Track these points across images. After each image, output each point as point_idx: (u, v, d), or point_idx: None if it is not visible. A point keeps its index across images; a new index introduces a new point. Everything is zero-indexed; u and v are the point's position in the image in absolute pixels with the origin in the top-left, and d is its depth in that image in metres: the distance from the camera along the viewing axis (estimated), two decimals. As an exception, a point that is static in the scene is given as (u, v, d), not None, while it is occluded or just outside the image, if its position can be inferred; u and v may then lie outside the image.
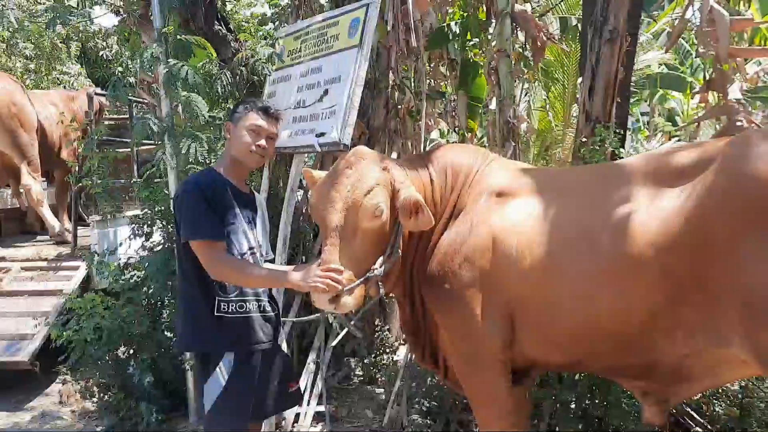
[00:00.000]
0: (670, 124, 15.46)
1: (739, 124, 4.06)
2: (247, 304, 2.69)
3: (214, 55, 4.02)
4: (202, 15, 4.44)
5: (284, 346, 3.03)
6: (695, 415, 4.01)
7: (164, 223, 4.47)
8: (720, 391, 4.05)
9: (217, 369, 2.60)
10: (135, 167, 6.05)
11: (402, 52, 5.48)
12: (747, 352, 2.12)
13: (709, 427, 3.96)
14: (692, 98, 14.01)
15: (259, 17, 6.32)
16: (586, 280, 2.44)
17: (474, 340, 2.67)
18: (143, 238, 4.60)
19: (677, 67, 13.88)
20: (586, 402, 3.59)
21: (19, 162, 6.88)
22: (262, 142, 2.70)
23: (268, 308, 2.79)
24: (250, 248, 2.73)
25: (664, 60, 13.36)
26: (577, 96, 6.37)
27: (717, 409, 4.02)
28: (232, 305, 2.65)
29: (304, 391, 4.26)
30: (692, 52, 13.30)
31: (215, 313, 2.62)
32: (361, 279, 2.50)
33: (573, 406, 3.65)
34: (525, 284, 2.55)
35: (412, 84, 5.90)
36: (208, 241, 2.55)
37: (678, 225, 2.23)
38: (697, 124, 5.40)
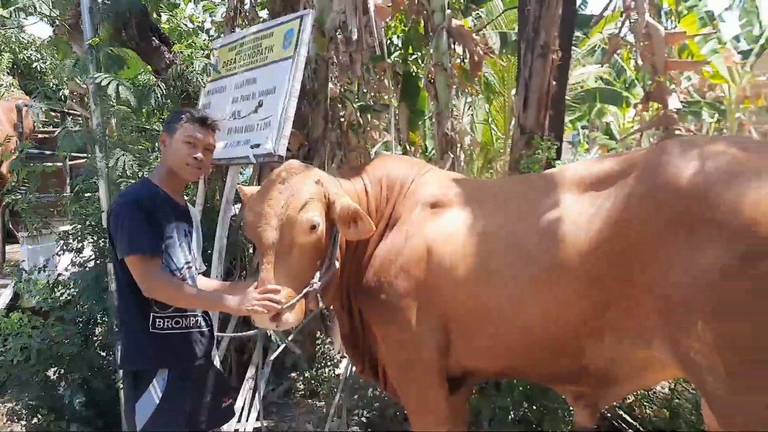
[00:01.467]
0: (607, 137, 15.99)
1: (678, 133, 4.22)
2: (184, 320, 2.64)
3: (144, 67, 3.93)
4: (135, 25, 4.36)
5: (217, 361, 2.97)
6: (627, 418, 4.12)
7: (95, 238, 4.34)
8: (650, 393, 4.18)
9: (151, 387, 2.53)
10: (67, 181, 5.89)
11: (347, 64, 5.51)
12: (668, 354, 2.19)
13: (640, 428, 4.07)
14: (628, 112, 14.57)
15: (198, 24, 6.25)
16: (516, 288, 2.49)
17: (410, 350, 2.69)
18: (73, 254, 4.45)
19: (612, 83, 14.37)
20: (523, 408, 3.64)
21: None
22: (199, 154, 2.64)
23: (203, 323, 2.75)
24: (187, 262, 2.68)
25: (600, 74, 13.80)
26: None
27: (648, 411, 4.14)
28: (168, 321, 2.59)
29: (243, 407, 4.18)
30: (626, 68, 13.80)
31: (151, 330, 2.56)
32: (301, 294, 2.48)
33: (510, 412, 3.70)
34: (459, 293, 2.59)
35: (357, 96, 5.94)
36: (143, 257, 2.48)
37: (601, 232, 2.30)
38: (640, 135, 5.59)
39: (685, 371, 2.17)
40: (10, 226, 6.82)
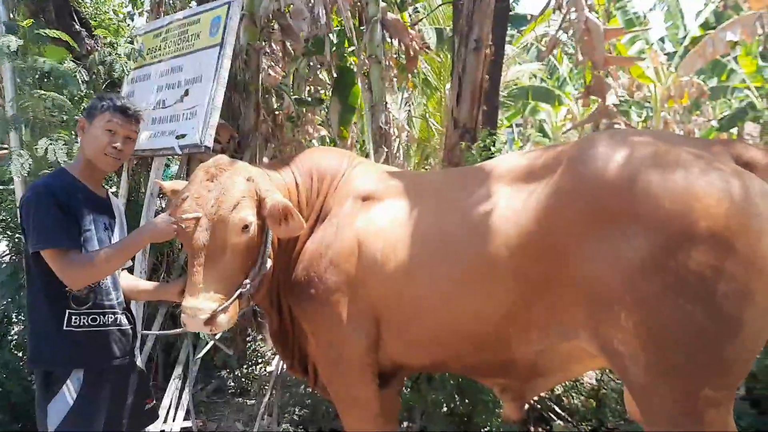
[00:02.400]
0: (540, 134, 16.38)
1: (617, 126, 4.32)
2: (101, 317, 2.49)
3: (64, 53, 3.73)
4: (53, 8, 4.13)
5: (139, 361, 2.84)
6: (556, 408, 4.21)
7: (9, 233, 4.10)
8: (578, 384, 4.29)
9: (64, 387, 2.39)
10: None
11: (280, 55, 5.42)
12: (593, 345, 2.22)
13: (569, 419, 4.17)
14: (560, 110, 14.97)
15: (124, 14, 6.02)
16: (444, 283, 2.47)
17: (339, 345, 2.65)
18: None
19: (545, 81, 14.74)
20: (455, 402, 3.66)
21: None
22: (119, 144, 2.51)
23: (124, 321, 2.61)
24: None
25: (534, 72, 14.12)
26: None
27: (575, 401, 4.25)
28: (84, 318, 2.44)
29: (170, 407, 4.05)
30: (559, 67, 14.16)
31: (64, 328, 2.41)
32: (234, 296, 2.40)
33: (443, 406, 3.71)
34: (389, 288, 2.55)
35: (291, 89, 5.85)
36: (60, 250, 2.33)
37: (527, 225, 2.30)
38: (581, 129, 5.73)
39: (609, 361, 2.20)
40: None
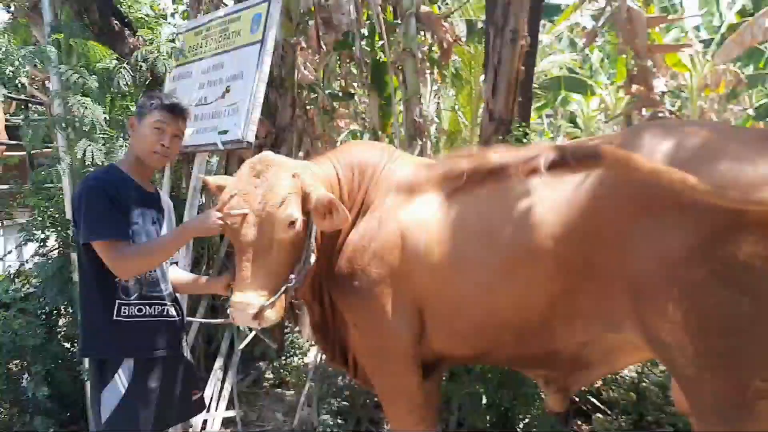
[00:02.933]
0: (571, 125, 16.20)
1: (661, 115, 4.28)
2: (148, 308, 2.57)
3: (107, 52, 3.81)
4: (97, 8, 4.23)
5: (187, 353, 2.92)
6: (595, 401, 4.20)
7: (59, 228, 4.22)
8: (618, 377, 4.27)
9: (116, 376, 2.47)
10: (30, 171, 5.72)
11: (315, 50, 5.46)
12: (638, 336, 2.22)
13: (608, 411, 4.16)
14: (592, 100, 14.77)
15: (160, 12, 6.11)
16: (488, 273, 2.49)
17: (383, 336, 2.68)
18: (36, 245, 4.32)
19: (576, 71, 14.54)
20: (494, 394, 3.67)
21: None
22: (166, 141, 2.59)
23: (172, 312, 2.68)
24: None
25: (564, 63, 13.94)
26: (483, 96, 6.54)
27: (615, 394, 4.23)
28: (133, 309, 2.53)
29: (212, 397, 4.14)
30: (590, 55, 13.97)
31: (114, 318, 2.49)
32: (281, 291, 2.45)
33: (481, 397, 3.73)
34: (433, 279, 2.58)
35: (323, 83, 5.89)
36: (111, 241, 2.41)
37: (572, 216, 2.31)
38: (625, 118, 5.67)
39: (656, 352, 2.20)
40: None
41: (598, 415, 4.12)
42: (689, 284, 2.01)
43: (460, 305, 2.57)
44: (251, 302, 2.34)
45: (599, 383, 4.19)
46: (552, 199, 2.40)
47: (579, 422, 4.17)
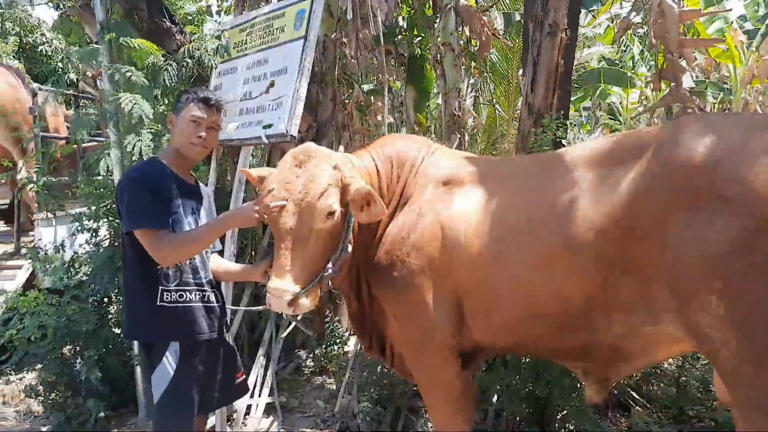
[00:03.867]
0: (610, 118, 15.93)
1: (690, 111, 4.22)
2: (188, 293, 2.68)
3: (155, 49, 3.94)
4: (146, 6, 4.37)
5: (230, 339, 3.02)
6: (634, 395, 4.19)
7: (110, 218, 4.39)
8: (658, 371, 4.25)
9: (164, 359, 2.58)
10: (80, 164, 5.93)
11: (361, 44, 5.50)
12: (679, 329, 2.23)
13: (647, 405, 4.15)
14: (632, 92, 14.51)
15: (204, 10, 6.26)
16: (528, 266, 2.51)
17: (423, 328, 2.72)
18: (89, 235, 4.50)
19: (616, 63, 14.29)
20: (531, 384, 3.70)
21: (19, 157, 6.67)
22: (203, 133, 2.70)
23: (212, 299, 2.79)
24: None
25: (604, 55, 13.73)
26: (521, 89, 6.53)
27: (655, 388, 4.21)
28: (174, 294, 2.64)
29: (255, 384, 4.26)
30: (631, 47, 13.72)
31: (157, 303, 2.61)
32: (317, 280, 2.51)
33: (518, 388, 3.76)
34: (472, 271, 2.62)
35: (361, 78, 5.94)
36: (152, 230, 2.53)
37: (613, 209, 2.32)
38: (650, 114, 5.58)
39: (698, 345, 2.21)
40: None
41: (638, 408, 4.11)
42: (733, 278, 2.02)
43: (499, 297, 2.61)
44: (287, 289, 2.40)
45: (638, 377, 4.18)
46: (592, 192, 2.42)
47: (618, 415, 4.17)
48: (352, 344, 5.22)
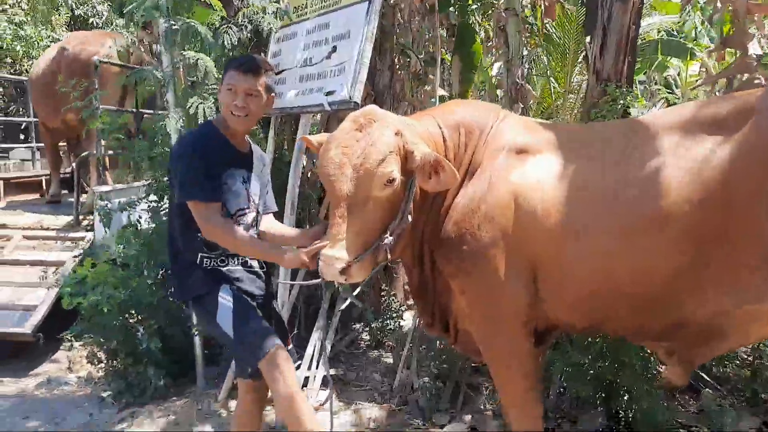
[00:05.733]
0: (668, 91, 15.36)
1: (757, 81, 3.97)
2: (230, 260, 2.71)
3: (221, 8, 3.86)
4: (204, -30, 4.29)
5: (277, 306, 3.06)
6: (705, 376, 4.01)
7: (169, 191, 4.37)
8: (730, 354, 4.04)
9: (220, 299, 2.61)
10: (137, 133, 5.99)
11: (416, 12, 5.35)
12: None
13: (718, 387, 3.97)
14: (692, 65, 13.93)
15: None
16: (611, 239, 2.39)
17: (497, 301, 2.62)
18: (150, 205, 4.51)
19: (674, 34, 13.71)
20: (597, 364, 3.56)
21: (81, 128, 6.85)
22: (239, 101, 2.62)
23: (255, 266, 2.80)
24: (240, 209, 2.70)
25: (663, 25, 13.19)
26: (581, 59, 6.28)
27: (727, 370, 4.03)
28: (215, 261, 2.68)
29: (312, 356, 4.22)
30: (693, 16, 13.15)
31: (198, 264, 2.66)
32: (371, 249, 2.42)
33: (585, 368, 3.62)
34: (548, 243, 2.49)
35: (415, 47, 5.79)
36: (203, 203, 2.54)
37: (707, 180, 2.18)
38: (712, 85, 5.29)
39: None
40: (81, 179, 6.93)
41: (708, 391, 3.93)
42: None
43: (578, 272, 2.48)
44: (339, 257, 2.31)
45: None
46: (685, 160, 2.27)
47: (687, 397, 4.00)
48: (408, 319, 5.15)
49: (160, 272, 4.40)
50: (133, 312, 4.31)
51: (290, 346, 2.95)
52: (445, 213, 2.70)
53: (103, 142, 5.86)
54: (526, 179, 2.58)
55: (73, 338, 4.55)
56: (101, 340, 4.27)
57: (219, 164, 2.60)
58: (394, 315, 5.05)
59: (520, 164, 2.65)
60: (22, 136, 12.52)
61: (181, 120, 3.84)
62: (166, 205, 4.43)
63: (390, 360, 4.63)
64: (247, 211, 2.72)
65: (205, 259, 2.65)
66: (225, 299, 2.60)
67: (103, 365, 4.47)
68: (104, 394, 4.37)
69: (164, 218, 4.42)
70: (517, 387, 2.73)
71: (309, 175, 4.72)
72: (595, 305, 2.54)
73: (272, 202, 2.95)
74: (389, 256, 2.53)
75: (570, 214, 2.45)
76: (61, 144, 8.39)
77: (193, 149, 2.59)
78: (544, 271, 2.55)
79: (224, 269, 2.67)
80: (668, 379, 2.65)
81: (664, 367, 3.17)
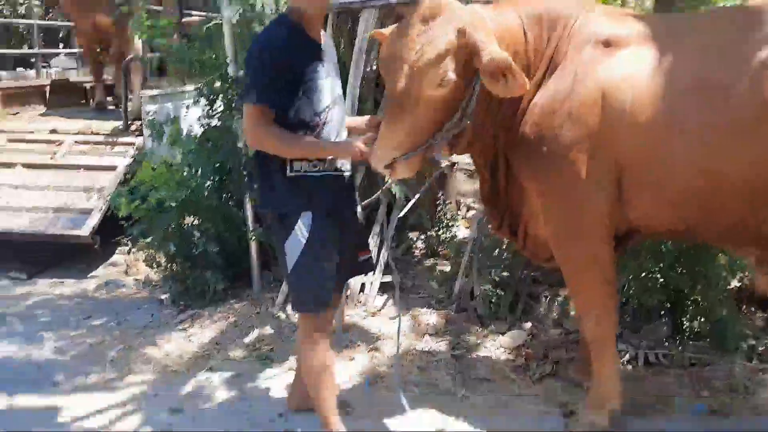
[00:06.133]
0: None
1: None
2: (321, 163, 2.53)
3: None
4: None
5: (360, 211, 2.93)
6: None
7: (227, 89, 4.24)
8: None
9: (296, 228, 2.51)
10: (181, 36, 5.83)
11: None
12: None
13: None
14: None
15: None
16: (711, 134, 2.26)
17: (577, 205, 2.52)
18: (204, 108, 4.40)
19: None
20: (671, 273, 3.44)
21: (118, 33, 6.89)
22: None
23: (347, 166, 2.64)
24: (326, 107, 2.53)
25: None
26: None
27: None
28: (306, 164, 2.51)
29: (369, 262, 4.19)
30: None
31: (288, 174, 2.50)
32: (423, 147, 2.39)
33: (653, 277, 3.51)
34: (639, 142, 2.36)
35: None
36: (257, 106, 2.40)
37: None
38: None
39: None
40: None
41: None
42: None
43: (671, 171, 2.35)
44: (386, 152, 2.35)
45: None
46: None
47: (753, 309, 3.87)
48: (462, 229, 5.06)
49: (216, 177, 4.33)
50: (191, 215, 4.28)
51: (367, 256, 2.91)
52: (522, 114, 2.55)
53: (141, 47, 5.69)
54: (615, 74, 2.42)
55: (129, 242, 4.60)
56: (159, 243, 4.27)
57: (300, 63, 2.45)
58: (449, 224, 4.98)
59: (608, 58, 2.47)
60: (61, 45, 12.42)
61: (236, 15, 3.63)
62: (221, 108, 4.33)
63: (445, 268, 4.57)
64: (332, 105, 2.57)
65: (295, 163, 2.49)
66: (300, 233, 2.50)
67: (160, 269, 4.51)
68: (163, 297, 4.44)
69: (215, 123, 4.32)
70: (595, 294, 2.66)
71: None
72: (689, 205, 2.41)
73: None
74: (453, 152, 2.54)
75: (663, 110, 2.31)
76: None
77: (265, 52, 2.43)
78: (633, 173, 2.43)
79: (314, 175, 2.52)
80: (760, 287, 2.53)
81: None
